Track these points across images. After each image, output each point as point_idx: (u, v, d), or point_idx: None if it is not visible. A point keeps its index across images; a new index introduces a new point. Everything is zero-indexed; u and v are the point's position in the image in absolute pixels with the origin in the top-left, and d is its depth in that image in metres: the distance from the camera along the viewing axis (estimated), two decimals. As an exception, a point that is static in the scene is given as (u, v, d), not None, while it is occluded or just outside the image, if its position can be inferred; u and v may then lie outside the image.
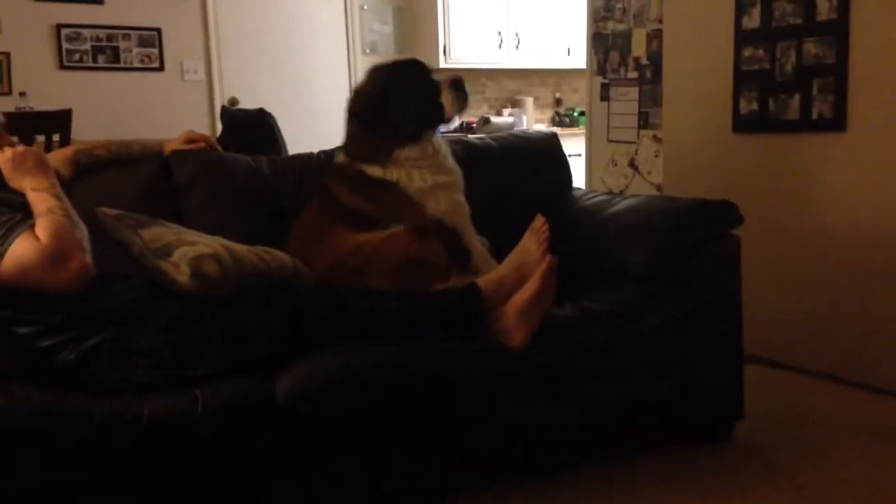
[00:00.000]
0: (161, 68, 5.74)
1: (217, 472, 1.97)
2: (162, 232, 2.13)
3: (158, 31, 5.70)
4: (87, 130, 4.57)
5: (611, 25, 4.26)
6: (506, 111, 6.91)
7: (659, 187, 4.02)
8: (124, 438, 1.84)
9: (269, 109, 4.17)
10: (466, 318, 2.20)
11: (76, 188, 2.35)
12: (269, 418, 1.97)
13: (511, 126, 6.24)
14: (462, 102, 2.57)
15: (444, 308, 2.21)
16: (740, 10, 3.42)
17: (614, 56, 4.26)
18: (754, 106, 3.41)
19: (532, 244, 2.30)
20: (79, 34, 5.48)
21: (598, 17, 4.34)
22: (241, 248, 2.11)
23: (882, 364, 3.03)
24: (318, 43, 6.25)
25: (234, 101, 5.86)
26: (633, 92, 4.16)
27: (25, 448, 1.80)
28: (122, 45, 5.60)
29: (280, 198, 2.67)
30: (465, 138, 3.16)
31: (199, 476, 1.95)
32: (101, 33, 5.54)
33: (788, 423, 2.76)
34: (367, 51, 6.42)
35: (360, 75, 2.86)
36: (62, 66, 5.45)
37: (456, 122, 2.87)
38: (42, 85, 5.28)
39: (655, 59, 4.00)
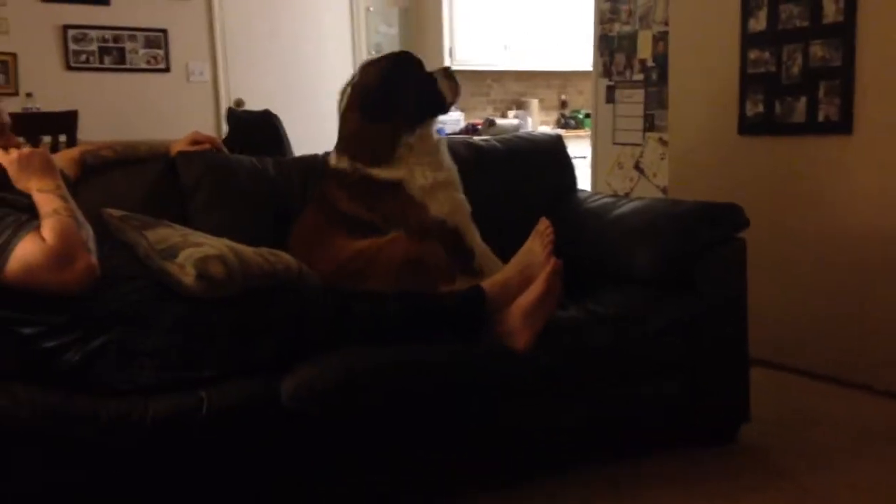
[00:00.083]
0: (167, 69, 5.76)
1: (220, 473, 1.97)
2: (167, 233, 2.13)
3: (164, 32, 5.71)
4: (94, 131, 4.57)
5: (617, 27, 4.26)
6: (511, 113, 6.90)
7: (664, 190, 4.01)
8: (129, 439, 1.84)
9: (274, 111, 4.17)
10: (471, 321, 2.20)
11: (82, 189, 2.36)
12: (274, 419, 1.97)
13: (516, 128, 6.24)
14: (457, 89, 2.63)
15: (449, 310, 2.21)
16: (746, 12, 3.42)
17: (620, 58, 4.26)
18: (760, 108, 3.40)
19: (537, 246, 2.30)
20: (85, 35, 5.49)
21: (604, 20, 4.34)
22: (246, 250, 2.11)
23: (887, 366, 3.02)
24: (323, 45, 6.26)
25: (239, 103, 5.87)
26: (639, 94, 4.16)
27: (29, 448, 1.80)
28: (128, 46, 5.62)
29: (285, 199, 2.67)
30: (470, 140, 3.16)
31: (202, 476, 1.95)
32: (108, 34, 5.56)
33: (794, 425, 2.76)
34: (373, 52, 6.42)
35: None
36: (68, 67, 5.47)
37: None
38: (48, 86, 5.30)
39: (661, 61, 4.00)
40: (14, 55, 5.29)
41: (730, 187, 3.37)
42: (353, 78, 2.61)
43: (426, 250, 2.42)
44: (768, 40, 3.34)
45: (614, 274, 2.59)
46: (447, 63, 6.29)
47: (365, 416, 2.07)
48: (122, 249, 2.09)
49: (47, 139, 4.09)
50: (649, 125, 4.11)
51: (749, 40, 3.42)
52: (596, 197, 3.03)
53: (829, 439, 2.64)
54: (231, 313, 2.01)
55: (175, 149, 2.64)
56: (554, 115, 7.21)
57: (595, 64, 4.45)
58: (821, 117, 3.18)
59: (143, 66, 5.68)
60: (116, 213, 2.21)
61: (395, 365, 2.09)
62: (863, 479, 2.36)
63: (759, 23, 3.38)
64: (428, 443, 2.17)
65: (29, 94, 5.12)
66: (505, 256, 2.45)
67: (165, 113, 5.60)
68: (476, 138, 3.25)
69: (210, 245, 2.06)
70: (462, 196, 2.62)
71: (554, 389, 2.26)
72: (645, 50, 4.11)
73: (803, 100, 3.23)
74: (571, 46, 6.58)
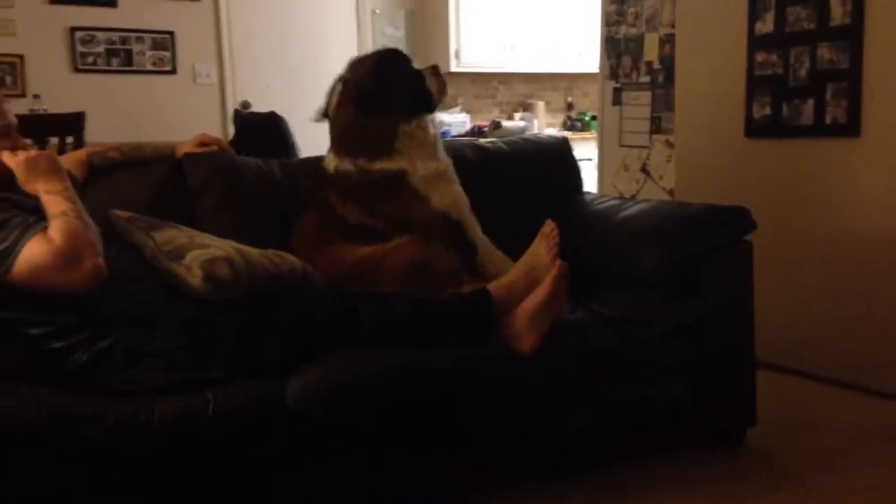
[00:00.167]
0: (174, 71, 5.77)
1: (225, 474, 1.97)
2: (174, 234, 2.14)
3: (171, 34, 5.72)
4: (101, 133, 4.58)
5: (623, 30, 4.26)
6: (517, 115, 6.90)
7: (671, 192, 4.00)
8: (136, 440, 1.84)
9: (280, 113, 4.17)
10: (477, 324, 2.20)
11: (89, 190, 2.36)
12: (280, 421, 1.97)
13: (522, 130, 6.24)
14: (444, 87, 2.64)
15: (455, 313, 2.21)
16: (754, 14, 3.41)
17: (626, 60, 4.26)
18: (767, 111, 3.39)
19: (542, 249, 2.30)
20: (93, 37, 5.51)
21: (611, 22, 4.34)
22: (252, 252, 2.11)
23: (894, 369, 3.01)
24: (330, 47, 6.26)
25: (246, 105, 5.88)
26: (646, 96, 4.15)
27: (36, 449, 1.81)
28: (135, 47, 5.63)
29: (291, 201, 2.67)
30: (476, 142, 3.16)
31: (207, 477, 1.95)
32: (115, 36, 5.57)
33: (800, 428, 2.75)
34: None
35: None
36: (76, 69, 5.48)
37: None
38: (56, 87, 5.31)
39: (668, 63, 3.99)
40: (21, 57, 5.31)
41: (736, 190, 3.36)
42: (342, 74, 2.61)
43: (432, 255, 2.42)
44: (775, 42, 3.33)
45: (620, 276, 2.59)
46: (453, 65, 6.30)
47: (370, 418, 2.07)
48: (129, 251, 2.10)
49: (54, 141, 4.10)
50: (656, 127, 4.11)
51: (756, 42, 3.41)
52: (602, 199, 3.03)
53: (836, 442, 2.63)
54: (237, 315, 2.01)
55: (182, 150, 2.65)
56: (560, 118, 7.20)
57: (601, 66, 4.45)
58: (828, 120, 3.17)
59: (150, 67, 5.69)
60: (123, 214, 2.21)
61: (401, 368, 2.09)
62: (869, 482, 2.35)
63: (766, 25, 3.37)
64: (434, 446, 2.16)
65: (36, 96, 5.13)
66: (511, 259, 2.46)
67: (172, 115, 5.61)
68: (482, 140, 3.25)
69: (217, 247, 2.06)
70: (460, 188, 2.62)
71: (560, 392, 2.26)
72: (651, 52, 4.11)
73: (811, 102, 3.23)
74: (578, 49, 6.59)
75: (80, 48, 5.47)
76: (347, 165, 2.53)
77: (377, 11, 6.47)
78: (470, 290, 2.29)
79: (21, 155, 2.09)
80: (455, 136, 6.23)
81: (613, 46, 4.34)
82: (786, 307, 3.29)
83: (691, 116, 3.81)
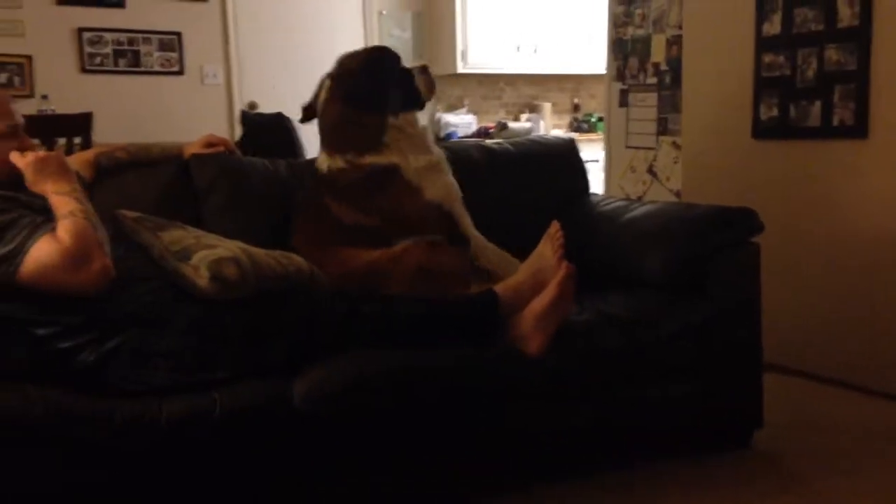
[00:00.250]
0: (181, 72, 5.78)
1: (231, 474, 1.97)
2: (181, 235, 2.14)
3: (179, 35, 5.74)
4: (108, 133, 4.60)
5: (630, 31, 4.26)
6: (523, 116, 6.90)
7: (678, 194, 4.00)
8: (143, 440, 1.85)
9: (287, 114, 4.18)
10: (484, 325, 2.20)
11: (96, 191, 2.37)
12: (286, 421, 1.97)
13: (528, 131, 6.24)
14: (432, 86, 2.65)
15: (461, 315, 2.21)
16: (761, 16, 3.41)
17: (633, 62, 4.26)
18: (775, 112, 3.39)
19: (548, 251, 2.29)
20: (100, 38, 5.53)
21: (618, 23, 4.34)
22: (259, 252, 2.12)
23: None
24: (337, 48, 6.19)
25: (253, 106, 5.89)
26: (652, 98, 4.15)
27: (43, 449, 1.81)
28: (142, 48, 5.65)
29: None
30: (483, 143, 3.16)
31: (213, 477, 1.96)
32: (123, 37, 5.59)
33: (807, 430, 2.74)
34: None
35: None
36: (84, 70, 5.50)
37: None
38: (64, 88, 5.33)
39: (675, 64, 3.99)
40: (29, 57, 5.33)
41: (744, 191, 3.36)
42: (331, 70, 2.62)
43: (439, 257, 2.41)
44: (783, 44, 3.33)
45: (627, 277, 2.58)
46: (460, 67, 6.30)
47: (373, 418, 2.07)
48: (136, 251, 2.10)
49: (62, 141, 4.12)
50: (662, 129, 4.10)
51: (763, 44, 3.41)
52: (608, 200, 3.03)
53: (843, 444, 2.62)
54: (244, 315, 2.01)
55: (189, 151, 2.66)
56: (566, 119, 7.20)
57: (608, 67, 4.45)
58: (836, 121, 3.16)
59: (158, 68, 5.70)
60: (131, 214, 2.22)
61: (405, 368, 2.09)
62: (877, 484, 2.34)
63: (773, 26, 3.37)
64: (437, 446, 2.16)
65: (44, 97, 5.15)
66: (518, 259, 2.45)
67: (179, 115, 5.63)
68: (488, 141, 3.25)
69: (224, 247, 2.07)
70: (453, 179, 2.62)
71: (565, 393, 2.26)
72: (658, 53, 4.10)
73: (818, 104, 3.22)
74: (584, 50, 6.58)
75: (87, 49, 5.49)
76: (339, 162, 2.53)
77: (384, 13, 6.48)
78: (477, 292, 2.29)
79: (30, 156, 2.09)
80: (461, 138, 6.23)
81: (620, 48, 4.33)
82: (793, 309, 3.28)
83: (698, 118, 3.80)
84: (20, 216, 1.95)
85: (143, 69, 5.66)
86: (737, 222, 2.53)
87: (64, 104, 4.99)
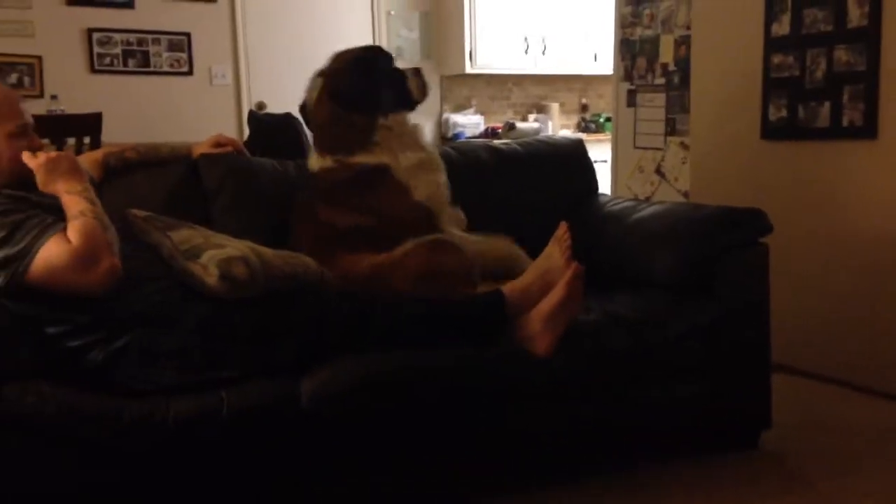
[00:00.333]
0: (190, 72, 5.79)
1: (237, 473, 1.98)
2: (190, 234, 2.15)
3: (188, 35, 5.75)
4: (117, 133, 4.60)
5: (638, 31, 4.25)
6: (531, 117, 6.90)
7: (686, 194, 3.99)
8: (151, 439, 1.85)
9: (295, 114, 4.18)
10: (491, 326, 2.20)
11: (105, 190, 2.38)
12: (293, 421, 1.97)
13: (536, 132, 6.23)
14: (424, 89, 2.64)
15: (469, 315, 2.21)
16: (770, 16, 3.40)
17: (641, 62, 4.25)
18: (783, 113, 3.38)
19: (555, 252, 2.29)
20: (110, 38, 5.54)
21: (626, 23, 4.33)
22: (268, 252, 2.12)
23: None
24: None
25: (261, 106, 5.90)
26: (660, 98, 4.14)
27: (54, 448, 1.83)
28: (151, 49, 5.66)
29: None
30: (491, 143, 3.16)
31: (219, 476, 1.96)
32: (132, 37, 5.60)
33: (815, 431, 2.74)
34: (394, 56, 6.43)
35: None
36: (93, 70, 5.52)
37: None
38: (73, 88, 5.35)
39: (683, 65, 3.98)
40: (39, 58, 5.35)
41: (752, 192, 3.35)
42: (323, 68, 2.61)
43: (444, 257, 2.41)
44: (792, 44, 3.32)
45: (634, 278, 2.58)
46: (468, 67, 6.30)
47: (378, 418, 2.07)
48: (145, 250, 2.11)
49: (72, 141, 4.13)
50: (671, 129, 4.09)
51: (772, 44, 3.40)
52: (616, 201, 3.02)
53: (850, 445, 2.62)
54: (253, 314, 2.02)
55: (197, 151, 2.66)
56: (574, 119, 7.19)
57: (616, 68, 4.44)
58: (845, 122, 3.15)
59: (167, 69, 5.72)
60: (141, 213, 2.22)
61: (411, 369, 2.09)
62: (883, 485, 2.34)
63: (782, 27, 3.36)
64: (439, 446, 2.17)
65: (54, 97, 5.17)
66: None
67: (188, 116, 5.64)
68: (496, 142, 3.24)
69: (233, 247, 2.08)
70: (443, 178, 2.61)
71: (572, 393, 2.26)
72: (667, 54, 4.09)
73: (827, 105, 3.21)
74: (592, 50, 6.57)
75: (97, 49, 5.50)
76: (328, 162, 2.53)
77: (392, 13, 6.48)
78: (483, 292, 2.29)
79: (42, 156, 2.10)
80: (469, 138, 6.23)
81: (628, 48, 4.33)
82: (802, 310, 3.27)
83: (706, 118, 3.80)
84: (29, 216, 1.96)
85: (152, 69, 5.67)
86: (745, 223, 2.52)
87: (73, 104, 5.00)
